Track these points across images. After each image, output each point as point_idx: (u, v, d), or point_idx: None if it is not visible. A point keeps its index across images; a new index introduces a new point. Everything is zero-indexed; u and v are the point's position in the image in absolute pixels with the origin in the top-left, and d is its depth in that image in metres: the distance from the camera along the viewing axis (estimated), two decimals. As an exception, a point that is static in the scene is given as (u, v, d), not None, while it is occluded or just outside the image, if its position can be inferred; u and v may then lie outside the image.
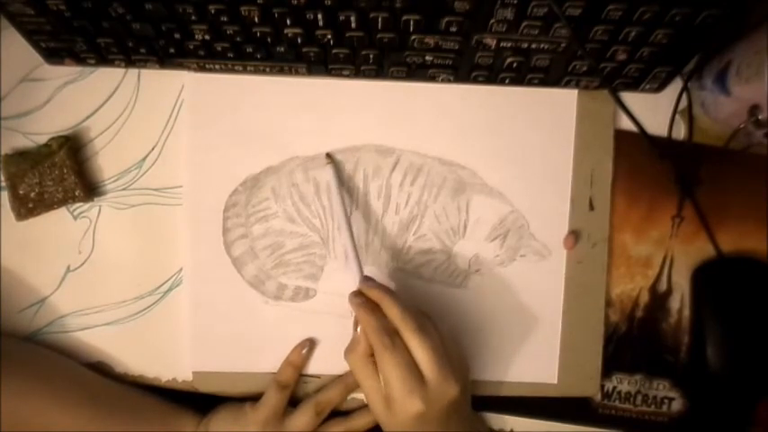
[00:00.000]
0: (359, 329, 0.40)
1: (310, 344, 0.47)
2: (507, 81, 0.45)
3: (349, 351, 0.40)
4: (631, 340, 0.48)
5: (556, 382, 0.47)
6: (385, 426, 0.39)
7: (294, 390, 0.47)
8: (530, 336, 0.47)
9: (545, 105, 0.47)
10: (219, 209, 0.46)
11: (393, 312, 0.39)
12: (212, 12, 0.39)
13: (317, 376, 0.47)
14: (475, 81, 0.45)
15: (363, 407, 0.47)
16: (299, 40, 0.41)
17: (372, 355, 0.39)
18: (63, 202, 0.46)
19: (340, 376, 0.47)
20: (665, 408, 0.48)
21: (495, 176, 0.47)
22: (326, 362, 0.47)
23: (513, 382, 0.48)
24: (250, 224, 0.47)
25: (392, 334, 0.38)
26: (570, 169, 0.47)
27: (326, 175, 0.46)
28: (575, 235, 0.47)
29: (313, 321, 0.47)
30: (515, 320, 0.47)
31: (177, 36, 0.41)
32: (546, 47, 0.41)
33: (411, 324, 0.38)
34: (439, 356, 0.38)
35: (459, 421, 0.40)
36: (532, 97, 0.46)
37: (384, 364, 0.37)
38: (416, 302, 0.45)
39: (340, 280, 0.47)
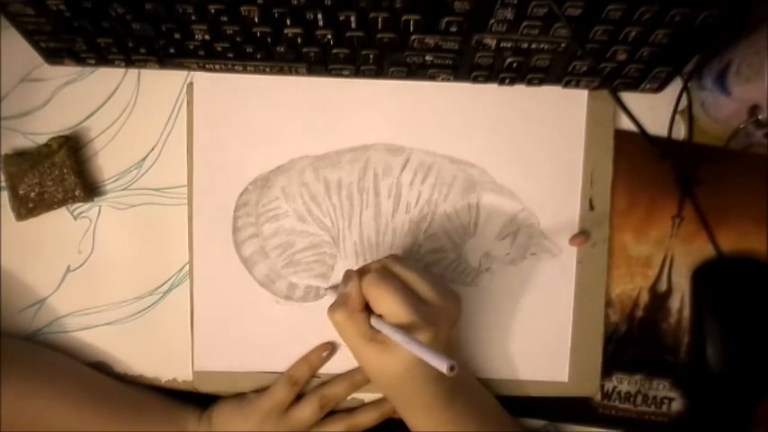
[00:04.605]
0: (349, 285, 0.39)
1: (332, 348, 0.47)
2: (507, 81, 0.45)
3: (339, 305, 0.39)
4: (631, 340, 0.48)
5: (567, 380, 0.47)
6: (384, 371, 0.38)
7: (302, 388, 0.47)
8: (540, 334, 0.47)
9: (555, 104, 0.47)
10: (230, 208, 0.46)
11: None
12: (212, 12, 0.39)
13: (317, 376, 0.47)
14: (475, 81, 0.45)
15: (366, 404, 0.47)
16: (299, 40, 0.41)
17: (361, 310, 0.39)
18: (63, 202, 0.46)
19: (347, 372, 0.47)
20: (665, 408, 0.48)
21: (506, 175, 0.47)
22: (331, 362, 0.47)
23: (524, 380, 0.48)
24: (260, 223, 0.47)
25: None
26: (581, 168, 0.47)
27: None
28: (585, 234, 0.47)
29: (323, 321, 0.47)
30: (526, 318, 0.47)
31: (177, 36, 0.41)
32: (546, 47, 0.41)
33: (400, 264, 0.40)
34: (432, 278, 0.39)
35: (458, 349, 0.42)
36: (542, 96, 0.46)
37: (383, 293, 0.37)
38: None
39: None
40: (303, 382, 0.46)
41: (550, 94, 0.46)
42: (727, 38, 0.43)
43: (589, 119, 0.47)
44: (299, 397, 0.47)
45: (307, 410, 0.46)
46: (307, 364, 0.46)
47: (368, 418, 0.46)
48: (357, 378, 0.46)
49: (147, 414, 0.46)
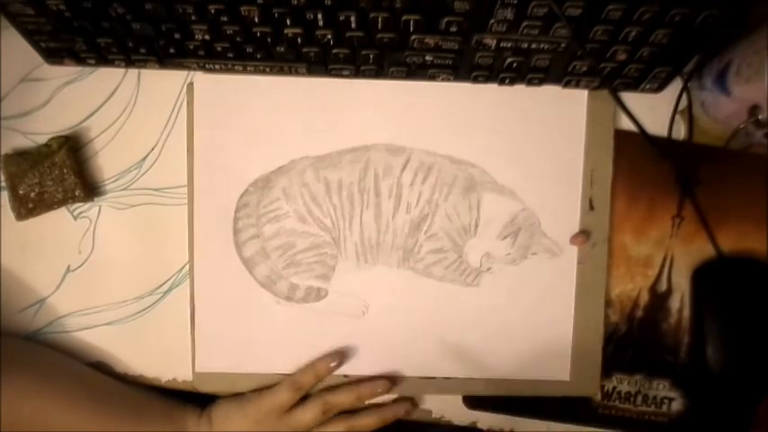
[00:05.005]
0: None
1: (340, 358, 0.46)
2: (507, 81, 0.45)
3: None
4: (631, 340, 0.48)
5: (568, 379, 0.47)
6: None
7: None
8: (541, 333, 0.47)
9: (555, 104, 0.46)
10: (230, 209, 0.46)
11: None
12: (212, 12, 0.39)
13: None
14: (475, 81, 0.45)
15: (368, 407, 0.47)
16: (299, 40, 0.41)
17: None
18: (63, 202, 0.46)
19: (354, 382, 0.47)
20: (665, 408, 0.48)
21: (506, 174, 0.47)
22: None
23: (525, 379, 0.48)
24: (261, 224, 0.47)
25: None
26: (581, 168, 0.47)
27: None
28: (585, 234, 0.47)
29: (324, 322, 0.47)
30: (527, 318, 0.47)
31: (177, 36, 0.41)
32: (546, 47, 0.41)
33: None
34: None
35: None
36: (542, 96, 0.46)
37: None
38: (427, 302, 0.46)
39: (351, 280, 0.47)
40: (307, 389, 0.46)
41: (550, 94, 0.46)
42: (727, 38, 0.43)
43: (589, 119, 0.47)
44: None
45: (308, 414, 0.45)
46: (313, 371, 0.46)
47: (369, 421, 0.46)
48: (363, 392, 0.46)
49: (147, 414, 0.46)
